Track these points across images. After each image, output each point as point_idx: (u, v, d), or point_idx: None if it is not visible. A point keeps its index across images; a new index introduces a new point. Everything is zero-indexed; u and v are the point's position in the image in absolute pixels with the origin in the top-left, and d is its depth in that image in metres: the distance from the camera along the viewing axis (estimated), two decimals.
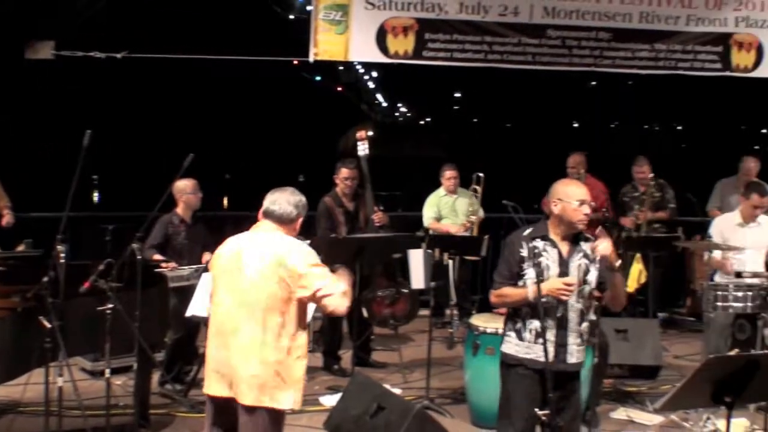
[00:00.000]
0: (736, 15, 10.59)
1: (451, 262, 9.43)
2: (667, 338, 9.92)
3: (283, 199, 4.94)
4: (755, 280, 7.15)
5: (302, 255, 4.79)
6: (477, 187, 10.07)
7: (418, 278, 7.58)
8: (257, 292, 4.69)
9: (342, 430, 5.94)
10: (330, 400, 7.31)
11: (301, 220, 5.01)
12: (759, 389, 4.28)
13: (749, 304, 7.06)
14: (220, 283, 4.85)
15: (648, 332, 8.53)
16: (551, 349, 4.92)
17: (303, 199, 5.03)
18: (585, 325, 5.06)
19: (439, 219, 10.22)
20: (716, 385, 4.16)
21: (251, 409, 4.66)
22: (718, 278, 7.79)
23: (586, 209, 4.96)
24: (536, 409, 4.75)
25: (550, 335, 4.94)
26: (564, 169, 10.19)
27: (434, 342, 8.14)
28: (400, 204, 18.94)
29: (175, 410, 7.28)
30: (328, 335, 8.67)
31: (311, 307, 6.28)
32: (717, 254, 7.76)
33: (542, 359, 4.89)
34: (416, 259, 7.59)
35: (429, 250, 7.89)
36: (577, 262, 5.01)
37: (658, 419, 7.24)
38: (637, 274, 9.77)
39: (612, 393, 7.95)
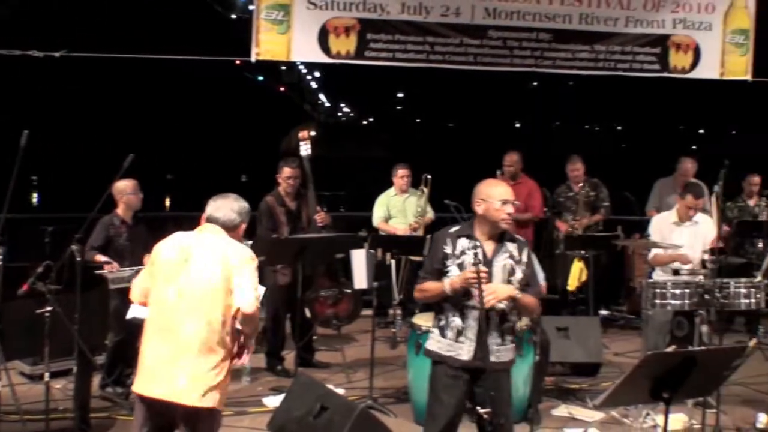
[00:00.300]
0: (674, 17, 10.75)
1: (393, 261, 9.44)
2: (607, 336, 10.03)
3: (227, 207, 4.92)
4: (693, 278, 7.25)
5: (245, 255, 4.79)
6: (424, 188, 10.09)
7: (360, 278, 7.58)
8: (203, 289, 4.65)
9: (285, 430, 5.91)
10: (273, 401, 7.29)
11: (244, 226, 4.98)
12: (696, 385, 4.36)
13: (687, 301, 7.16)
14: (162, 278, 4.77)
15: (589, 330, 8.61)
16: (471, 348, 4.95)
17: (246, 205, 5.01)
18: (507, 325, 5.06)
19: (388, 219, 10.22)
20: (654, 381, 4.22)
21: (193, 410, 4.61)
22: (657, 276, 7.90)
23: (509, 209, 4.98)
24: (477, 407, 4.76)
25: (471, 334, 4.96)
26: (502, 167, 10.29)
27: (377, 342, 8.14)
28: (342, 204, 18.95)
29: (116, 413, 7.19)
30: (271, 336, 8.63)
31: None
32: (659, 251, 7.87)
33: (462, 358, 4.95)
34: (359, 259, 7.59)
35: (371, 250, 7.89)
36: (501, 262, 5.01)
37: (598, 416, 7.31)
38: (577, 272, 9.86)
39: (553, 390, 8.01)
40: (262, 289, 5.11)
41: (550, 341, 7.66)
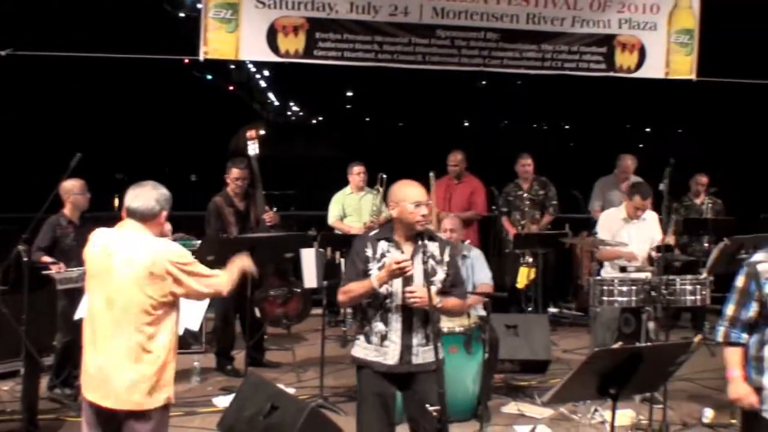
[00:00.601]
0: (620, 17, 10.88)
1: (343, 260, 9.42)
2: (556, 333, 10.13)
3: (144, 195, 4.75)
4: (639, 275, 7.34)
5: (173, 255, 4.68)
6: (380, 188, 10.10)
7: (310, 277, 7.56)
8: (129, 296, 4.56)
9: (235, 430, 5.88)
10: (223, 401, 7.26)
11: (165, 214, 4.83)
12: (642, 381, 4.41)
13: (634, 298, 7.23)
14: (93, 285, 4.71)
15: (537, 327, 8.69)
16: (396, 352, 4.92)
17: (165, 192, 4.85)
18: (430, 326, 4.96)
19: (343, 218, 10.21)
20: (602, 377, 4.26)
21: (138, 413, 4.57)
22: (604, 273, 7.98)
23: (423, 210, 4.93)
24: (427, 405, 4.74)
25: (396, 337, 4.92)
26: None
27: (327, 341, 8.15)
28: (292, 203, 18.88)
29: (65, 415, 7.12)
30: (220, 336, 8.60)
31: (198, 308, 6.22)
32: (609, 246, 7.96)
33: (388, 362, 4.92)
34: (308, 258, 7.57)
35: (321, 249, 7.88)
36: (422, 264, 4.89)
37: (548, 412, 7.37)
38: (526, 270, 9.92)
39: (503, 387, 8.08)
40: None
41: (499, 339, 7.71)
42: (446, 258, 5.08)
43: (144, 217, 4.71)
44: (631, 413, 7.08)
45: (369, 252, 4.98)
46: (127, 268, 4.56)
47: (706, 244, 10.28)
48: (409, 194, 4.96)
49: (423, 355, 4.96)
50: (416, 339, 4.95)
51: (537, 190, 10.48)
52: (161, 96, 28.81)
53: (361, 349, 5.03)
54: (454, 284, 5.12)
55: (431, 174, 9.98)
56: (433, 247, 5.05)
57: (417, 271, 4.90)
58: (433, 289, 4.84)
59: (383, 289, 4.88)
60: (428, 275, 4.83)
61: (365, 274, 4.95)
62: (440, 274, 5.02)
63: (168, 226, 5.10)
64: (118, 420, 4.61)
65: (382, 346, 4.95)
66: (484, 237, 10.66)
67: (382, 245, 4.99)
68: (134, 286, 4.55)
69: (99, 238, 4.75)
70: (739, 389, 4.60)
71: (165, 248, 4.69)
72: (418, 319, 4.94)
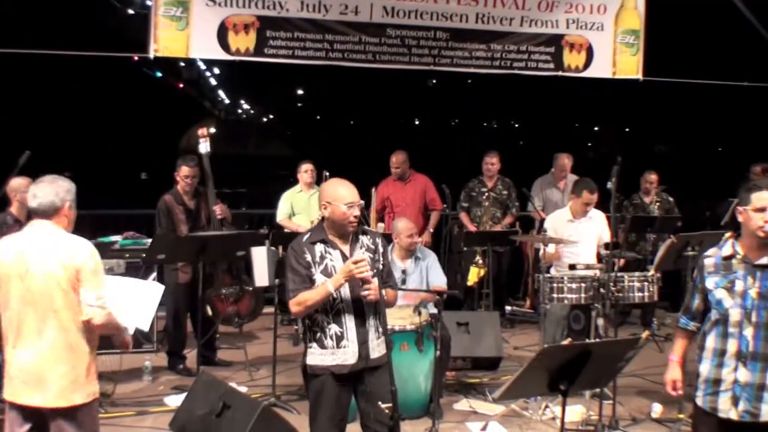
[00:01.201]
0: (567, 17, 10.99)
1: None
2: (508, 330, 10.21)
3: (42, 191, 4.66)
4: (588, 272, 7.43)
5: (86, 257, 4.62)
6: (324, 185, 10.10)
7: (261, 276, 7.54)
8: (48, 295, 4.53)
9: (187, 430, 5.85)
10: (175, 401, 7.22)
11: (68, 205, 4.72)
12: (592, 376, 4.48)
13: (583, 295, 7.33)
14: (9, 290, 4.60)
15: (488, 325, 8.74)
16: (355, 350, 4.90)
17: (66, 184, 4.75)
18: (379, 319, 4.98)
19: (291, 216, 10.19)
20: (551, 373, 4.32)
21: (65, 412, 4.57)
22: (554, 271, 8.06)
23: (356, 211, 4.92)
24: (379, 402, 4.75)
25: (352, 335, 4.90)
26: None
27: (280, 339, 8.13)
28: (244, 201, 18.82)
29: None
30: (171, 335, 8.54)
31: (149, 307, 6.17)
32: (550, 248, 8.03)
33: (348, 362, 4.89)
34: (260, 256, 7.55)
35: (272, 248, 7.86)
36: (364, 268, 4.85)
37: (499, 409, 7.43)
38: (476, 270, 9.99)
39: (455, 385, 8.13)
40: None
41: (451, 336, 7.75)
42: (380, 248, 5.09)
43: (47, 213, 4.64)
44: (581, 409, 7.15)
45: (308, 257, 4.92)
46: (41, 268, 4.53)
47: (651, 241, 10.44)
48: (341, 194, 4.93)
49: (378, 348, 4.98)
50: (371, 333, 4.95)
51: (501, 190, 10.53)
52: (110, 93, 28.55)
53: (317, 357, 4.96)
54: (388, 274, 5.15)
55: (373, 190, 10.00)
56: (366, 240, 5.07)
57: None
58: (376, 281, 4.84)
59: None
60: (379, 272, 4.84)
61: (310, 280, 4.91)
62: (378, 264, 4.99)
63: None
64: (45, 419, 4.60)
65: (339, 348, 4.91)
66: (435, 235, 10.69)
67: (319, 248, 4.94)
68: (52, 285, 4.53)
69: (9, 244, 4.69)
70: (668, 374, 4.94)
71: (81, 245, 4.65)
72: (368, 313, 4.95)
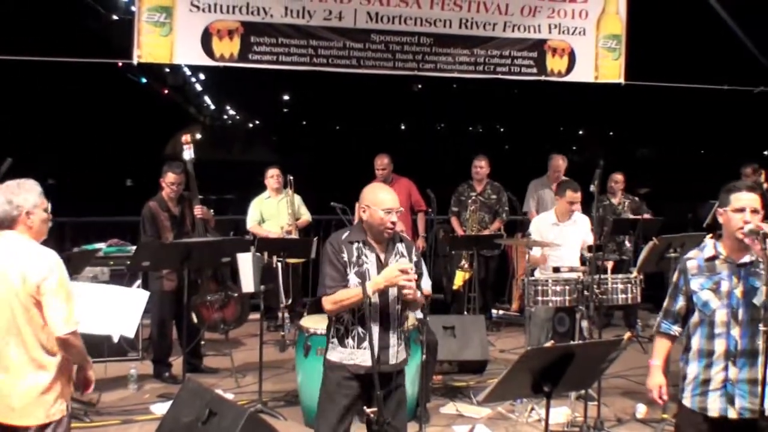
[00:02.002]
0: (549, 22, 11.05)
1: (280, 264, 9.42)
2: (494, 334, 10.24)
3: None
4: (572, 275, 7.47)
5: (47, 271, 4.41)
6: (290, 191, 10.10)
7: (247, 282, 7.55)
8: (9, 309, 4.38)
9: None
10: (161, 408, 7.20)
11: (26, 213, 4.47)
12: (575, 378, 4.50)
13: (567, 297, 7.37)
14: None
15: (474, 328, 8.77)
16: (375, 353, 4.87)
17: (23, 192, 4.50)
18: (403, 325, 5.10)
19: (261, 222, 10.19)
20: (535, 375, 4.34)
21: (37, 428, 4.46)
22: (538, 274, 8.10)
23: (393, 218, 4.94)
24: (365, 407, 4.79)
25: (374, 339, 4.90)
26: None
27: (266, 345, 8.13)
28: (230, 207, 18.80)
29: None
30: (157, 342, 8.53)
31: (134, 314, 6.18)
32: (536, 251, 8.08)
33: (366, 364, 4.90)
34: (245, 262, 7.56)
35: (258, 254, 7.87)
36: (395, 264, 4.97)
37: (486, 412, 7.45)
38: (462, 274, 10.02)
39: (441, 389, 8.15)
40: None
41: (438, 340, 7.78)
42: (414, 258, 5.14)
43: (3, 224, 4.47)
44: (566, 411, 7.19)
45: (345, 256, 4.94)
46: (2, 281, 4.38)
47: (628, 244, 10.47)
48: (380, 199, 4.95)
49: (398, 355, 5.06)
50: (392, 339, 5.01)
51: (490, 194, 10.57)
52: (95, 99, 28.47)
53: (337, 353, 5.03)
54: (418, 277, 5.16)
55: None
56: (402, 247, 5.12)
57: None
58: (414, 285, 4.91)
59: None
60: (418, 269, 5.00)
61: (345, 279, 4.94)
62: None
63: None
64: None
65: (359, 349, 4.97)
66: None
67: (357, 248, 4.96)
68: (11, 299, 4.38)
69: None
70: (653, 380, 4.91)
71: (39, 261, 4.43)
72: (393, 319, 5.01)
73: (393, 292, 4.96)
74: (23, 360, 4.43)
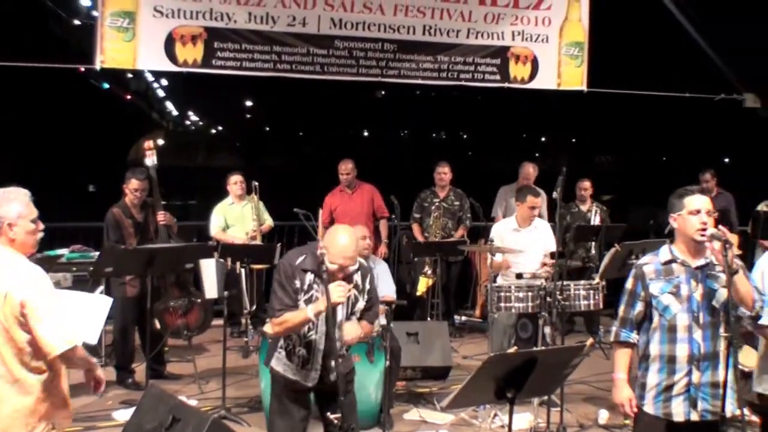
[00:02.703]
0: (513, 29, 11.11)
1: (243, 270, 9.40)
2: (457, 340, 10.26)
3: None
4: (535, 281, 7.51)
5: (27, 288, 4.18)
6: (254, 196, 10.09)
7: (210, 288, 7.54)
8: None
9: None
10: (124, 415, 7.14)
11: (8, 224, 4.25)
12: (538, 384, 4.54)
13: (530, 303, 7.42)
14: None
15: (438, 335, 8.79)
16: (317, 376, 5.03)
17: (2, 203, 4.27)
18: (344, 349, 5.17)
19: (225, 228, 10.16)
20: (498, 381, 4.36)
21: None
22: (501, 280, 8.14)
23: (349, 264, 4.88)
24: (329, 413, 4.82)
25: (317, 364, 5.04)
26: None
27: (229, 351, 8.11)
28: (192, 213, 18.74)
29: None
30: (119, 348, 8.47)
31: (97, 320, 6.13)
32: (498, 257, 8.11)
33: (309, 384, 5.01)
34: (208, 268, 7.55)
35: (221, 260, 7.85)
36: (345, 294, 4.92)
37: (449, 418, 7.47)
38: (425, 280, 10.04)
39: (405, 395, 8.15)
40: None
41: (401, 347, 7.79)
42: (367, 286, 5.16)
43: None
44: (529, 417, 7.23)
45: (297, 283, 4.95)
46: None
47: (593, 251, 10.54)
48: (337, 251, 4.85)
49: (341, 369, 5.03)
50: (335, 362, 5.01)
51: (452, 201, 10.62)
52: (57, 104, 28.23)
53: (282, 364, 5.09)
54: (370, 308, 5.21)
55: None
56: (357, 277, 5.10)
57: (340, 306, 4.99)
58: (354, 318, 5.07)
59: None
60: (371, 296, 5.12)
61: (295, 303, 4.94)
62: (360, 303, 5.12)
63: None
64: None
65: (303, 369, 5.04)
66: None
67: (309, 277, 4.96)
68: None
69: None
70: (621, 394, 4.86)
71: (16, 277, 4.19)
72: (337, 348, 5.02)
73: (339, 322, 5.01)
74: (4, 381, 4.21)
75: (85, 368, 4.57)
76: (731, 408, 4.58)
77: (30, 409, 4.28)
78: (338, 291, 4.76)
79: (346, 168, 10.41)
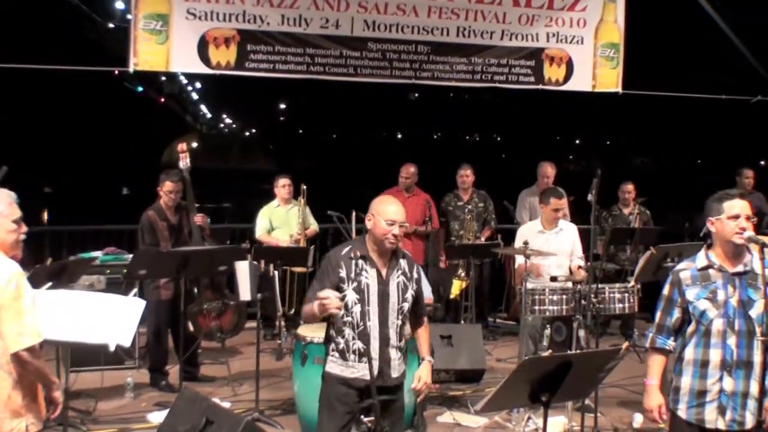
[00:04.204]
0: (548, 31, 11.02)
1: (277, 273, 9.41)
2: (490, 342, 10.22)
3: None
4: (569, 284, 7.45)
5: (2, 284, 4.17)
6: (301, 199, 10.09)
7: (244, 290, 7.53)
8: None
9: None
10: (157, 417, 7.17)
11: None
12: (573, 387, 4.48)
13: (564, 306, 7.35)
14: None
15: (471, 337, 8.77)
16: (375, 367, 4.92)
17: None
18: (402, 341, 5.10)
19: (270, 230, 10.17)
20: (533, 385, 4.32)
21: None
22: (530, 284, 8.07)
23: (396, 230, 4.92)
24: (362, 417, 4.80)
25: (374, 354, 4.94)
26: (390, 179, 10.41)
27: (263, 354, 8.11)
28: (227, 216, 18.81)
29: None
30: (153, 351, 8.50)
31: (130, 322, 6.15)
32: (519, 259, 8.04)
33: (366, 377, 4.89)
34: (242, 271, 7.54)
35: (255, 262, 7.85)
36: (396, 280, 5.03)
37: (483, 421, 7.44)
38: (459, 282, 10.00)
39: (438, 398, 8.12)
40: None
41: (434, 349, 7.75)
42: (415, 275, 5.16)
43: None
44: (563, 420, 7.17)
45: (343, 272, 4.94)
46: None
47: (628, 253, 10.47)
48: (385, 211, 4.95)
49: (398, 368, 5.08)
50: (393, 353, 5.02)
51: (477, 203, 10.59)
52: (92, 108, 28.47)
53: (336, 366, 5.04)
54: (417, 300, 5.21)
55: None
56: (404, 263, 5.11)
57: (392, 288, 5.01)
58: (407, 306, 5.07)
59: (358, 311, 4.92)
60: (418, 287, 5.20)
61: (338, 293, 4.88)
62: (410, 291, 5.10)
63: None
64: None
65: (360, 362, 4.97)
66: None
67: (356, 263, 4.94)
68: None
69: None
70: (651, 401, 4.83)
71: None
72: (394, 333, 5.01)
73: (393, 306, 4.99)
74: None
75: (40, 382, 4.48)
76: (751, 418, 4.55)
77: (4, 402, 4.26)
78: (334, 302, 4.75)
79: (407, 172, 10.45)
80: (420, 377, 5.10)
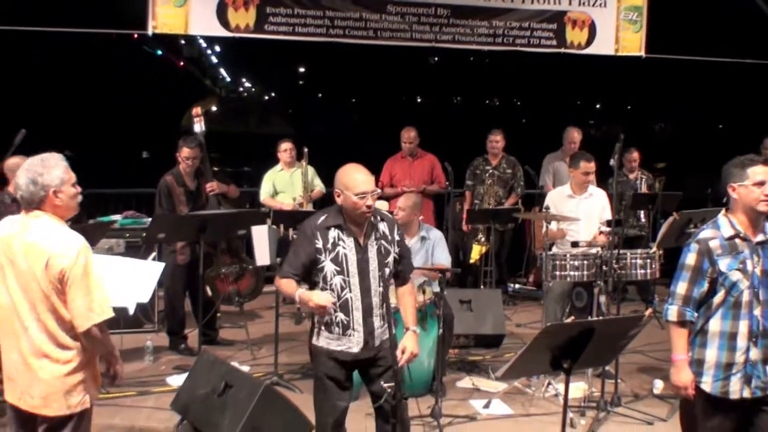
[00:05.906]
0: None
1: (295, 237, 9.36)
2: (510, 308, 10.20)
3: (22, 179, 4.21)
4: (591, 250, 7.39)
5: (71, 259, 4.14)
6: (303, 162, 10.02)
7: (262, 254, 7.50)
8: (32, 290, 4.16)
9: (190, 409, 5.87)
10: (177, 380, 7.21)
11: (53, 192, 4.21)
12: (595, 354, 4.45)
13: (585, 272, 7.29)
14: (5, 275, 4.25)
15: (491, 302, 8.74)
16: (360, 339, 4.89)
17: (48, 170, 4.22)
18: (385, 308, 4.93)
19: (275, 194, 10.11)
20: (554, 351, 4.29)
21: (47, 420, 4.28)
22: (556, 249, 8.03)
23: (369, 201, 4.78)
24: (382, 383, 4.78)
25: (358, 325, 4.89)
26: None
27: (282, 318, 8.10)
28: (246, 180, 18.79)
29: None
30: (170, 315, 8.52)
31: (149, 280, 6.15)
32: (552, 226, 7.98)
33: (353, 350, 4.89)
34: (261, 235, 7.51)
35: (274, 226, 7.83)
36: (375, 246, 4.90)
37: (502, 386, 7.43)
38: (479, 247, 9.97)
39: (458, 363, 8.14)
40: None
41: (454, 314, 7.74)
42: (396, 237, 5.04)
43: (31, 204, 4.23)
44: (583, 386, 7.15)
45: (319, 243, 4.83)
46: (25, 263, 4.16)
47: (643, 220, 10.40)
48: (353, 183, 4.79)
49: (382, 336, 4.97)
50: (377, 322, 4.95)
51: (505, 169, 10.51)
52: (111, 71, 28.44)
53: (323, 339, 4.97)
54: (400, 259, 5.08)
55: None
56: (382, 226, 4.99)
57: (372, 255, 4.89)
58: (388, 271, 4.94)
59: (339, 281, 4.83)
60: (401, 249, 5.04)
61: (314, 267, 4.85)
62: (391, 255, 4.99)
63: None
64: (35, 424, 4.31)
65: (344, 335, 4.91)
66: (439, 213, 10.69)
67: (333, 233, 4.85)
68: (32, 283, 4.15)
69: (3, 226, 4.37)
70: (684, 376, 4.60)
71: (61, 245, 4.16)
72: (377, 301, 4.92)
73: (374, 274, 4.89)
74: (42, 346, 4.21)
75: (104, 356, 4.48)
76: None
77: (67, 380, 4.27)
78: (323, 298, 4.73)
79: (408, 136, 10.34)
80: (405, 348, 4.95)
